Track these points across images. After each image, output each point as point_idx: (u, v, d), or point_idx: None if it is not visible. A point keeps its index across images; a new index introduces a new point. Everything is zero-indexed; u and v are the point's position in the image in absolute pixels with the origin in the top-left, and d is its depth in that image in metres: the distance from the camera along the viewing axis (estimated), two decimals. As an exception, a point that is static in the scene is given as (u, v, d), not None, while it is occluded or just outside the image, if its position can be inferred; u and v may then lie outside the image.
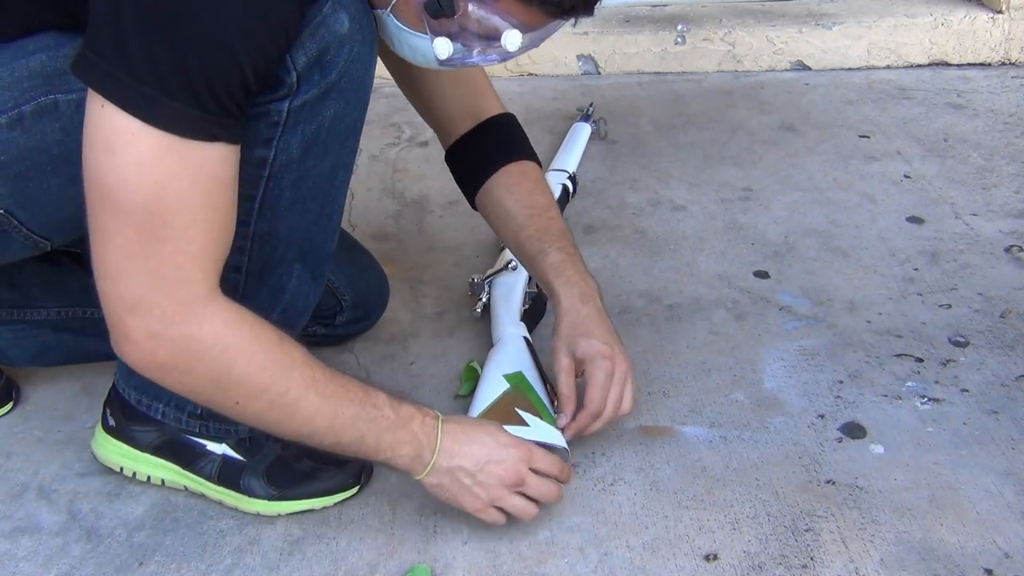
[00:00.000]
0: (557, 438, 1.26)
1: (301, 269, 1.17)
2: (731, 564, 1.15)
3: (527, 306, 1.55)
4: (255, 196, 1.08)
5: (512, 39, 1.03)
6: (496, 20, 1.02)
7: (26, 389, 1.45)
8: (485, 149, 1.41)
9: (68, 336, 1.39)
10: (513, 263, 1.58)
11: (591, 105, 2.34)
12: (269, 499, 1.22)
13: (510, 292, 1.54)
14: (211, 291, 1.01)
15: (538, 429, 1.26)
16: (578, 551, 1.17)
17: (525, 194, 1.38)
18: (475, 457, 1.13)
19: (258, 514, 1.23)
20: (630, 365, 1.29)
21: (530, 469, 1.15)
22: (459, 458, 1.12)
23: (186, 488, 1.26)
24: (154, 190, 0.95)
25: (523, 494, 1.16)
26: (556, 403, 1.31)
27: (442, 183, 2.02)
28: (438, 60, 1.07)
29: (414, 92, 1.42)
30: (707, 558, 1.16)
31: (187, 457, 1.24)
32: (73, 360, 1.44)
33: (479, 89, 1.42)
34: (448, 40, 1.04)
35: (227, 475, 1.23)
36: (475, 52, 1.06)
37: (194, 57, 0.92)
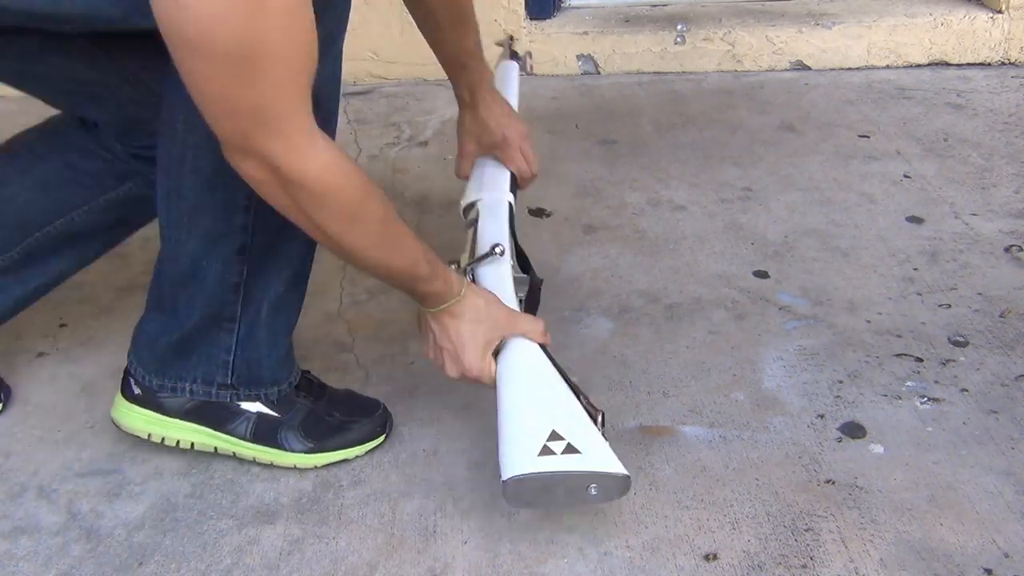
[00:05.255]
0: (614, 465, 1.13)
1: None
2: (731, 564, 1.15)
3: (521, 297, 1.42)
4: None
5: None
6: None
7: (26, 389, 1.45)
8: None
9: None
10: (500, 247, 1.41)
11: (511, 39, 2.15)
12: (307, 452, 1.27)
13: (501, 284, 1.39)
14: (312, 124, 1.00)
15: (592, 456, 1.14)
16: (578, 551, 1.17)
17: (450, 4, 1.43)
18: (460, 338, 1.21)
19: (295, 467, 1.27)
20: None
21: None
22: (452, 327, 1.21)
23: (216, 450, 1.28)
24: (234, 34, 0.91)
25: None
26: (598, 415, 1.19)
27: (442, 183, 2.03)
28: None
29: None
30: (707, 558, 1.16)
31: (220, 418, 1.26)
32: (20, 306, 1.39)
33: None
34: None
35: (263, 432, 1.26)
36: None
37: None
